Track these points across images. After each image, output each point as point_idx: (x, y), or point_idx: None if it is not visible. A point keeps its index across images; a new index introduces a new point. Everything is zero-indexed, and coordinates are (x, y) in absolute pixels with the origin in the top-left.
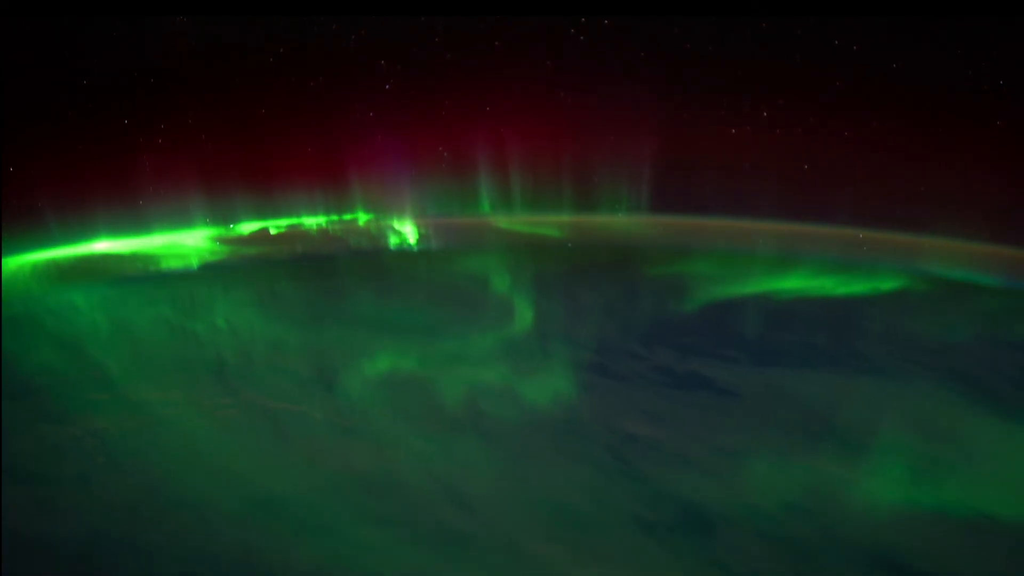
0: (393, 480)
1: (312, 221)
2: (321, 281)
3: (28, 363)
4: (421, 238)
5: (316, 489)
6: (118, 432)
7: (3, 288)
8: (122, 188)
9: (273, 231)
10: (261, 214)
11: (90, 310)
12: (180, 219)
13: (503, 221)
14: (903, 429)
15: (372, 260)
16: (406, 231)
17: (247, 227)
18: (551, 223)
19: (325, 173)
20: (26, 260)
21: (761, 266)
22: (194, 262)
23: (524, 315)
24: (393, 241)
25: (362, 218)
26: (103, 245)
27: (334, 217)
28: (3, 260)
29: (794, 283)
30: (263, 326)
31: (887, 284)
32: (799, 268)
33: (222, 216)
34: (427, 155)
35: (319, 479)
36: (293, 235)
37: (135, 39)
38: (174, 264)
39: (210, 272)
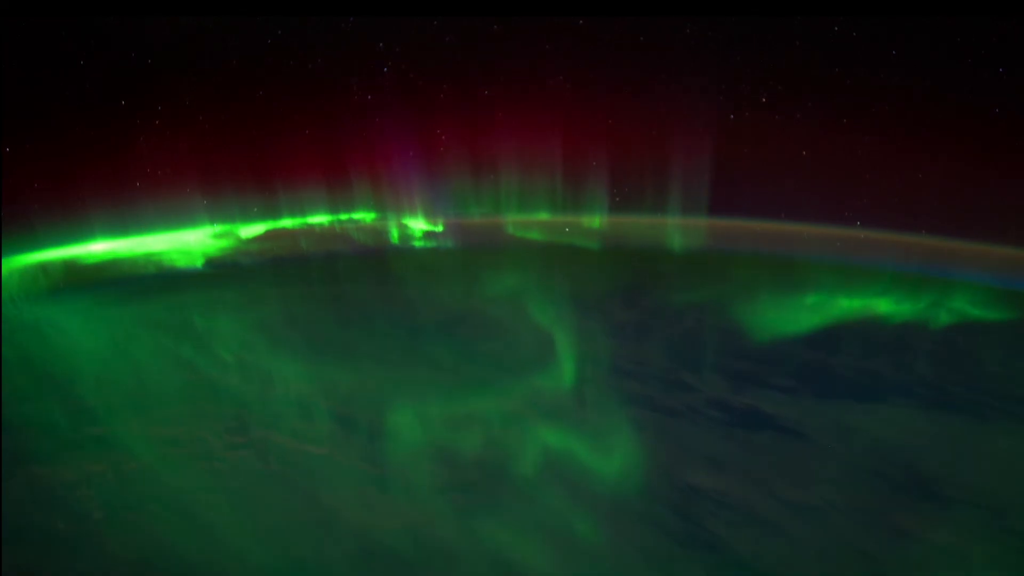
0: (431, 545)
1: (331, 220)
2: (340, 294)
3: (15, 388)
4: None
5: (344, 556)
6: (116, 479)
7: (3, 289)
8: (132, 188)
9: (285, 230)
10: (272, 214)
11: (85, 325)
12: (187, 219)
13: (531, 225)
14: (1004, 486)
15: (397, 266)
16: (423, 231)
17: (258, 227)
18: (581, 227)
19: (347, 172)
20: (28, 261)
21: (816, 277)
22: (202, 264)
23: (561, 339)
24: (410, 241)
25: (382, 217)
26: (110, 246)
27: (350, 216)
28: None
29: (853, 299)
30: (278, 349)
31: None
32: (859, 280)
33: (231, 216)
34: (455, 156)
35: (348, 543)
36: (306, 234)
37: (138, 39)
38: (180, 268)
39: (220, 279)
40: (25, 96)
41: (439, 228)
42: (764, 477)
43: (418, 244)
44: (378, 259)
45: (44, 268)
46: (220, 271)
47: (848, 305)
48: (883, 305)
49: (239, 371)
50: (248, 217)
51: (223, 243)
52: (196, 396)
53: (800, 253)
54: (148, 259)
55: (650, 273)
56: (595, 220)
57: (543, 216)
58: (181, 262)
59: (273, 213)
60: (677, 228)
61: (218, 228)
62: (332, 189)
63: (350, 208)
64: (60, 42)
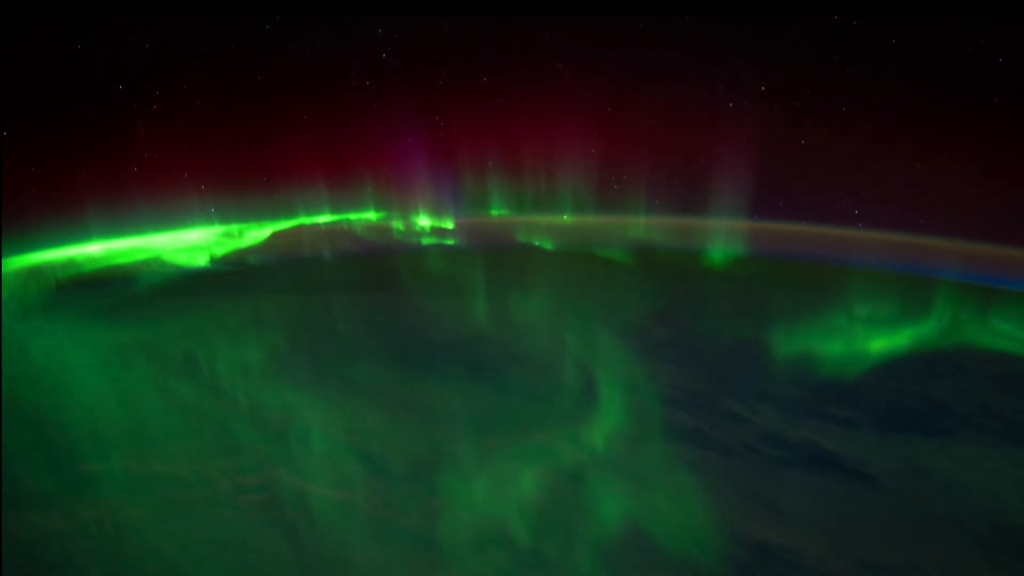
0: None
1: (340, 219)
2: (353, 304)
3: (7, 416)
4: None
5: None
6: (113, 530)
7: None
8: (136, 188)
9: (293, 229)
10: (279, 213)
11: (78, 343)
12: (192, 220)
13: (551, 229)
14: None
15: (410, 272)
16: (433, 230)
17: (265, 228)
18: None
19: (355, 170)
20: (27, 264)
21: (861, 287)
22: (208, 266)
23: (594, 362)
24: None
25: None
26: (111, 247)
27: (359, 215)
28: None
29: (902, 313)
30: (289, 372)
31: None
32: (905, 290)
33: (237, 217)
34: (468, 154)
35: None
36: (314, 234)
37: (141, 38)
38: (185, 271)
39: (225, 285)
40: (26, 96)
41: (449, 226)
42: (836, 531)
43: (428, 243)
44: (390, 262)
45: (40, 273)
46: (225, 276)
47: (899, 321)
48: (935, 320)
49: (247, 399)
50: (255, 217)
51: (229, 244)
52: (201, 428)
53: (845, 258)
54: (151, 262)
55: (684, 282)
56: (626, 223)
57: (565, 218)
58: (186, 264)
59: (280, 213)
60: (713, 232)
61: (225, 229)
62: (339, 188)
63: (358, 207)
64: (60, 42)
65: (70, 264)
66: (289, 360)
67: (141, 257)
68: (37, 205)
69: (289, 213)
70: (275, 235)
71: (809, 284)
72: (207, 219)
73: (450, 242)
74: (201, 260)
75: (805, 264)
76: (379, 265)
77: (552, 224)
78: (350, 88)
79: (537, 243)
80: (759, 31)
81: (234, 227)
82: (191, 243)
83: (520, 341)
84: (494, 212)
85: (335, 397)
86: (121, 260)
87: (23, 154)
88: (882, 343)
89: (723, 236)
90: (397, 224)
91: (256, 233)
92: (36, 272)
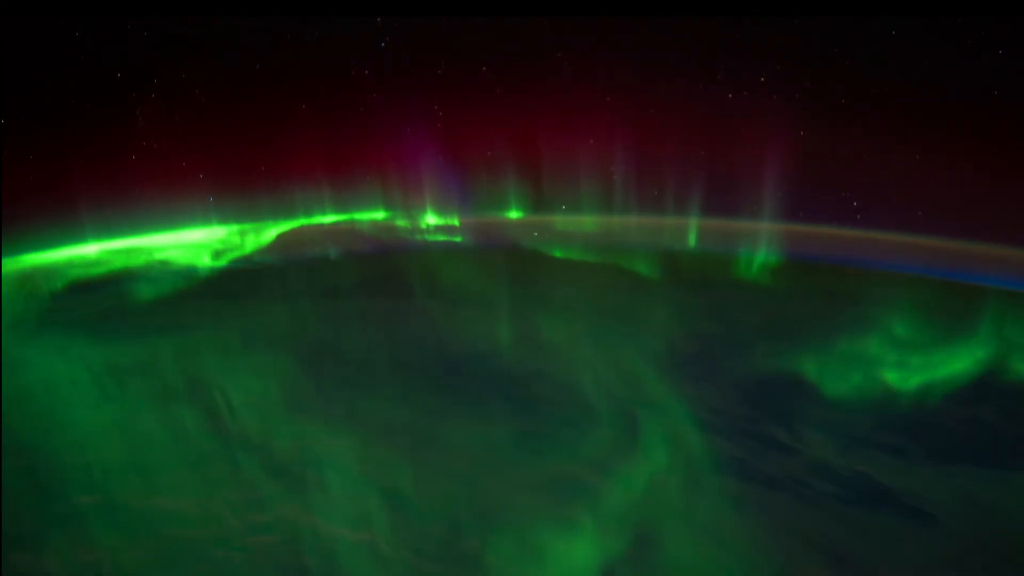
0: None
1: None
2: (363, 311)
3: None
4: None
5: None
6: (114, 571)
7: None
8: (140, 189)
9: (299, 230)
10: (284, 214)
11: (75, 356)
12: (197, 221)
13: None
14: None
15: (420, 274)
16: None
17: (272, 229)
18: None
19: (359, 169)
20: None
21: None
22: (214, 271)
23: (621, 379)
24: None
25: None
26: (113, 248)
27: (366, 214)
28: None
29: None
30: (303, 393)
31: None
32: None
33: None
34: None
35: None
36: (321, 234)
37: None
38: (189, 275)
39: (231, 290)
40: (26, 95)
41: (456, 224)
42: None
43: (435, 242)
44: (399, 264)
45: (33, 280)
46: (230, 280)
47: (943, 336)
48: (981, 335)
49: (256, 425)
50: (258, 217)
51: (233, 245)
52: (207, 456)
53: (884, 263)
54: (153, 264)
55: (712, 291)
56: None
57: (584, 220)
58: (189, 266)
59: (284, 212)
60: (743, 235)
61: (228, 229)
62: (344, 186)
63: (363, 205)
64: (61, 42)
65: (67, 267)
66: (300, 380)
67: (142, 259)
68: (33, 205)
69: (293, 212)
70: (280, 235)
71: (847, 292)
72: (210, 218)
73: (458, 239)
74: (205, 262)
75: (842, 270)
76: (388, 267)
77: (568, 225)
78: (350, 81)
79: (552, 245)
80: (798, 28)
81: (238, 227)
82: (194, 244)
83: (541, 356)
84: (507, 212)
85: (351, 423)
86: (121, 262)
87: (21, 154)
88: (926, 361)
89: (755, 240)
90: (403, 222)
91: (260, 233)
92: (28, 278)
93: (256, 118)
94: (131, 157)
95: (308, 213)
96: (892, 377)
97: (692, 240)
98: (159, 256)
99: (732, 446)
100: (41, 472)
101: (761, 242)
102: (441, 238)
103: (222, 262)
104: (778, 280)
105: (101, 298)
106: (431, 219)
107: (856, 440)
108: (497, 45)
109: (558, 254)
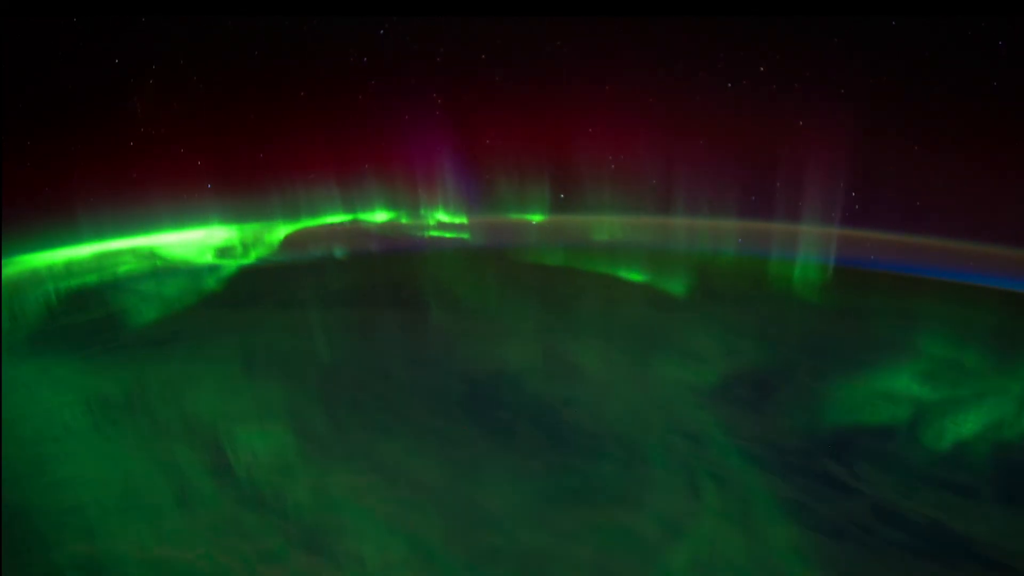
0: None
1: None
2: (375, 324)
3: None
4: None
5: None
6: None
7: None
8: (148, 189)
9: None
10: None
11: (70, 383)
12: (202, 222)
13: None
14: None
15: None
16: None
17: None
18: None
19: (366, 168)
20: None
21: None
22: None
23: (659, 406)
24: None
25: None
26: (119, 247)
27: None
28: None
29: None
30: (317, 423)
31: None
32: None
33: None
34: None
35: None
36: (329, 235)
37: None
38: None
39: (239, 300)
40: (27, 96)
41: (463, 222)
42: None
43: (444, 240)
44: (410, 266)
45: (26, 289)
46: (236, 283)
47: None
48: None
49: (268, 461)
50: (263, 218)
51: (239, 246)
52: (214, 498)
53: (936, 271)
54: (156, 266)
55: (753, 302)
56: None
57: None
58: (192, 267)
59: (289, 212)
60: (788, 239)
61: (232, 230)
62: (349, 184)
63: (369, 204)
64: (62, 42)
65: (65, 270)
66: (312, 409)
67: (145, 261)
68: (31, 206)
69: (298, 212)
70: (286, 236)
71: (900, 304)
72: (213, 218)
73: (466, 236)
74: (208, 264)
75: (894, 277)
76: (397, 272)
77: (587, 224)
78: (354, 74)
79: (572, 249)
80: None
81: (242, 228)
82: (198, 245)
83: (570, 379)
84: (523, 213)
85: (370, 459)
86: (119, 265)
87: (19, 153)
88: (984, 384)
89: (801, 244)
90: (410, 220)
91: (266, 233)
92: (20, 287)
93: (259, 115)
94: (128, 156)
95: (313, 212)
96: (946, 399)
97: (726, 245)
98: (159, 257)
99: (785, 485)
100: (26, 517)
101: (807, 248)
102: (450, 235)
103: (226, 264)
104: (827, 291)
105: (95, 309)
106: (439, 217)
107: (919, 478)
108: (508, 40)
109: (580, 260)
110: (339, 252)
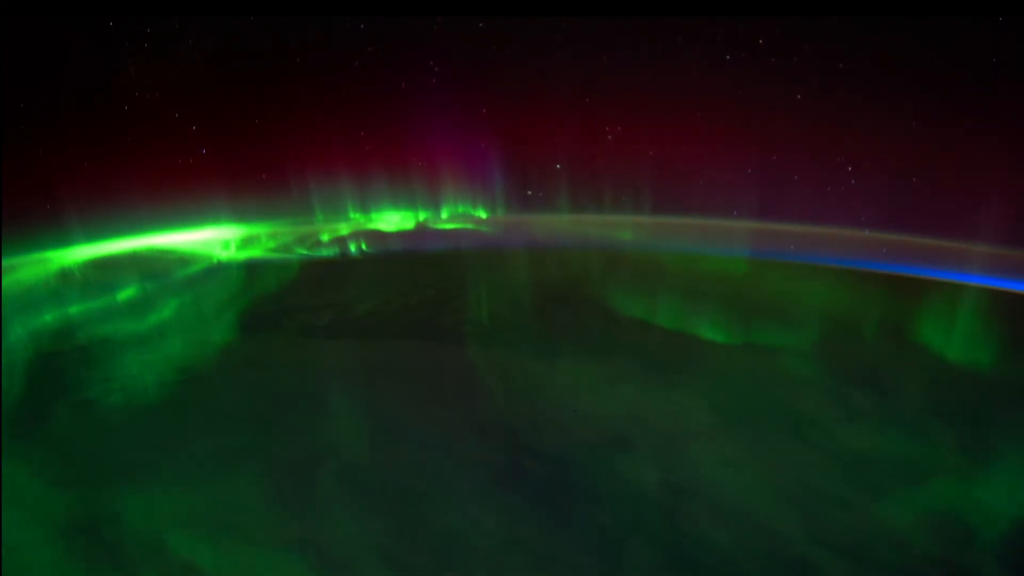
0: None
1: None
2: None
3: None
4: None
5: None
6: None
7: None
8: (160, 190)
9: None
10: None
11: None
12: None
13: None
14: None
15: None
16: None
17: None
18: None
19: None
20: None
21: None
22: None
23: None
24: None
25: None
26: (136, 246)
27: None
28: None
29: None
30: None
31: None
32: None
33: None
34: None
35: None
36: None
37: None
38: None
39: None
40: (29, 96)
41: (484, 217)
42: None
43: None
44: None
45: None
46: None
47: None
48: None
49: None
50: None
51: (251, 248)
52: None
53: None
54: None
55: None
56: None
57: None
58: (200, 267)
59: (302, 212)
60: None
61: (244, 231)
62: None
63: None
64: (63, 41)
65: (64, 273)
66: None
67: (153, 264)
68: (32, 207)
69: (311, 212)
70: (300, 237)
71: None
72: (224, 219)
73: (485, 229)
74: (217, 266)
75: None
76: (419, 275)
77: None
78: (352, 78)
79: (615, 244)
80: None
81: (255, 228)
82: (206, 245)
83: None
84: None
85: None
86: (130, 266)
87: (18, 154)
88: None
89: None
90: (431, 218)
91: (280, 234)
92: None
93: (271, 113)
94: (130, 155)
95: (326, 212)
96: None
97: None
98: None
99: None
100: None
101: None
102: (469, 227)
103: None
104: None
105: (97, 317)
106: (459, 215)
107: None
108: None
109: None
110: (355, 251)
